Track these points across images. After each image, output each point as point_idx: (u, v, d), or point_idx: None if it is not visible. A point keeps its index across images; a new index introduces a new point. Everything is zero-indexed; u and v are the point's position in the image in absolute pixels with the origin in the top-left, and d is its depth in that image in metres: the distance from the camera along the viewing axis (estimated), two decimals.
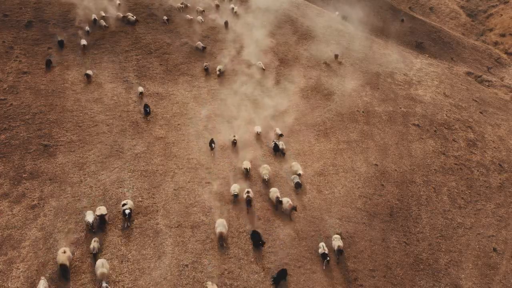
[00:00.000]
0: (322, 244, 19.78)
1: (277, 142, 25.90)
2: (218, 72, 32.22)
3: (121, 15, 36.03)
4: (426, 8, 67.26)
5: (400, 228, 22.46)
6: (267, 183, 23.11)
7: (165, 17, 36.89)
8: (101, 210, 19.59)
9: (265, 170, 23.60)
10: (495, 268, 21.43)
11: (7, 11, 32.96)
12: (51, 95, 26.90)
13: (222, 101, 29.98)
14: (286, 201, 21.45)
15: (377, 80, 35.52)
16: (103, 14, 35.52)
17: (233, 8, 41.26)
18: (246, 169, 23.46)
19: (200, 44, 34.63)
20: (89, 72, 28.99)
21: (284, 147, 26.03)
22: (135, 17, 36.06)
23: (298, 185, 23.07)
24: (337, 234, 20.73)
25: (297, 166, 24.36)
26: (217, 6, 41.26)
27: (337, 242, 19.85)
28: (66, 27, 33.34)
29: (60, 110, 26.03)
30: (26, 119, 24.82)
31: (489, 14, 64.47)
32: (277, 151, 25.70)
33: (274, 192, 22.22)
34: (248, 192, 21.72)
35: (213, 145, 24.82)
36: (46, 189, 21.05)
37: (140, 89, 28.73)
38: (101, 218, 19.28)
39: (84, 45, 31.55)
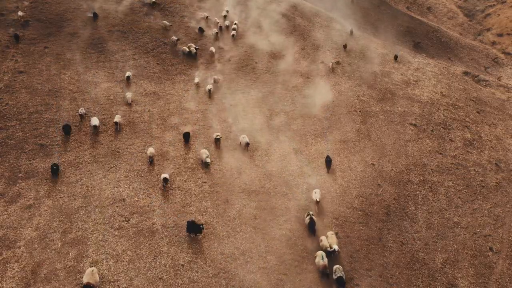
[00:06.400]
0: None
1: (314, 218, 20.81)
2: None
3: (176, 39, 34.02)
4: (423, 8, 67.31)
5: (397, 227, 22.46)
6: None
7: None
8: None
9: None
10: (491, 268, 21.44)
11: (4, 10, 32.82)
12: (47, 94, 26.80)
13: (219, 100, 29.98)
14: None
15: (375, 80, 35.52)
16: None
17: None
18: None
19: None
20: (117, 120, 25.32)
21: (337, 248, 19.34)
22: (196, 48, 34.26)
23: (341, 283, 17.96)
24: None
25: (332, 238, 19.58)
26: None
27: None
28: (63, 26, 33.24)
29: (56, 110, 25.94)
30: (22, 119, 24.72)
31: (486, 14, 64.53)
32: (313, 232, 20.36)
33: None
34: None
35: None
36: (42, 189, 20.98)
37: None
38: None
39: (95, 125, 24.85)
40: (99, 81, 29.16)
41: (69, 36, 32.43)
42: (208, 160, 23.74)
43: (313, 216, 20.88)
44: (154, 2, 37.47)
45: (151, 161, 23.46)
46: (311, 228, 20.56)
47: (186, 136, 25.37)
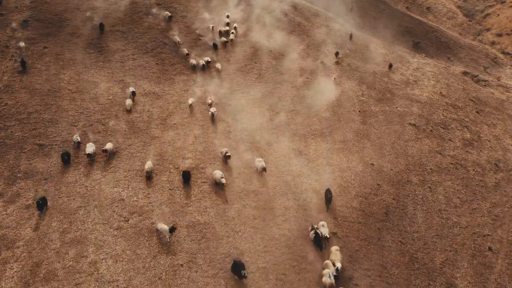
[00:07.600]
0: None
1: (318, 232, 20.04)
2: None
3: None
4: (423, 8, 67.37)
5: (396, 227, 22.48)
6: None
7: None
8: None
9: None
10: (491, 267, 21.46)
11: (3, 10, 32.80)
12: (47, 94, 26.80)
13: (219, 101, 29.97)
14: None
15: (374, 80, 35.55)
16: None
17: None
18: None
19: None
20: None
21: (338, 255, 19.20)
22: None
23: None
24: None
25: (336, 255, 19.20)
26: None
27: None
28: (63, 26, 33.23)
29: (56, 110, 25.94)
30: (21, 119, 24.71)
31: (486, 14, 64.58)
32: (320, 247, 19.79)
33: None
34: None
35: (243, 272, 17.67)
36: (41, 189, 20.97)
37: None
38: None
39: (89, 153, 22.75)
40: (99, 81, 29.15)
41: (69, 36, 32.41)
42: (224, 180, 22.13)
43: (317, 230, 20.12)
44: (170, 17, 37.13)
45: (149, 176, 22.33)
46: (317, 243, 19.79)
47: (186, 177, 22.43)
